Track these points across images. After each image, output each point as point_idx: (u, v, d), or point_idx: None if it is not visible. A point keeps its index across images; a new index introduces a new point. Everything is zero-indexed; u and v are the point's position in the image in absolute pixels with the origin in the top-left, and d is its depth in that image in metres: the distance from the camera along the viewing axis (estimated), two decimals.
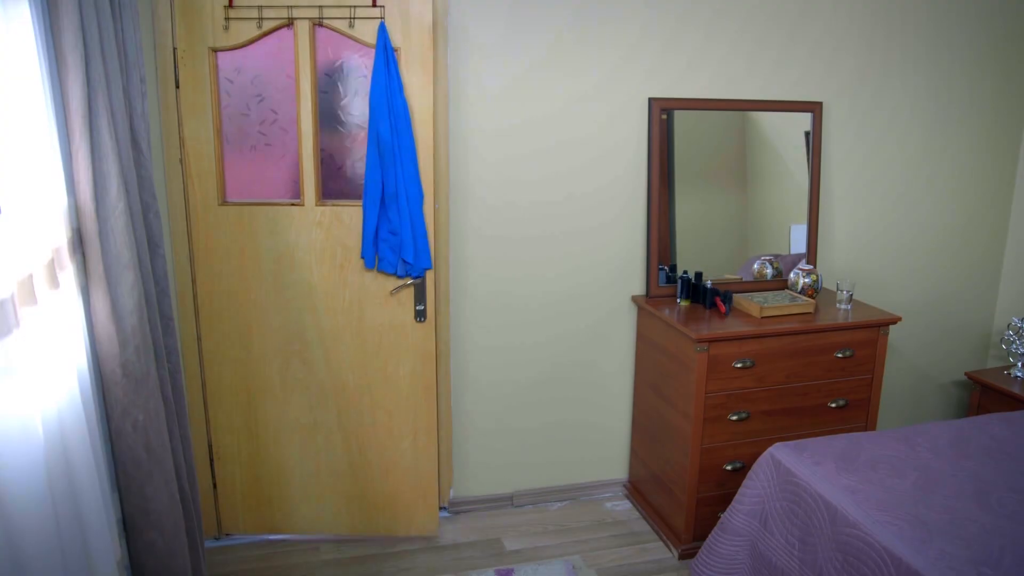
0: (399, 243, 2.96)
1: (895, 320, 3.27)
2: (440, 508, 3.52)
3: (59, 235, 1.97)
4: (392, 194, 2.91)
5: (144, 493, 2.18)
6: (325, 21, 2.89)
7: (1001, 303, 4.14)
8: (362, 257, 2.99)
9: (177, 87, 2.86)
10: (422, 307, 3.11)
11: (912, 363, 4.09)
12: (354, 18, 2.88)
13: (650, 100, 3.32)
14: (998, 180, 4.00)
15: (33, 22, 1.84)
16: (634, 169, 3.40)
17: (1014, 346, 3.73)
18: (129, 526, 2.24)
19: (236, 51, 2.90)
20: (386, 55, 2.84)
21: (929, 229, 3.94)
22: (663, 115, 3.36)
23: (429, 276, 3.08)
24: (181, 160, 2.92)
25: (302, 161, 3.00)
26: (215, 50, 2.87)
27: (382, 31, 2.83)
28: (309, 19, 2.88)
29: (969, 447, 2.69)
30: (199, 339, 3.08)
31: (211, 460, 3.21)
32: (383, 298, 3.11)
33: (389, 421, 3.23)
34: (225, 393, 3.15)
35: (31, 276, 1.77)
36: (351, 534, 3.34)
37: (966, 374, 3.86)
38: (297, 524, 3.32)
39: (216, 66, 2.89)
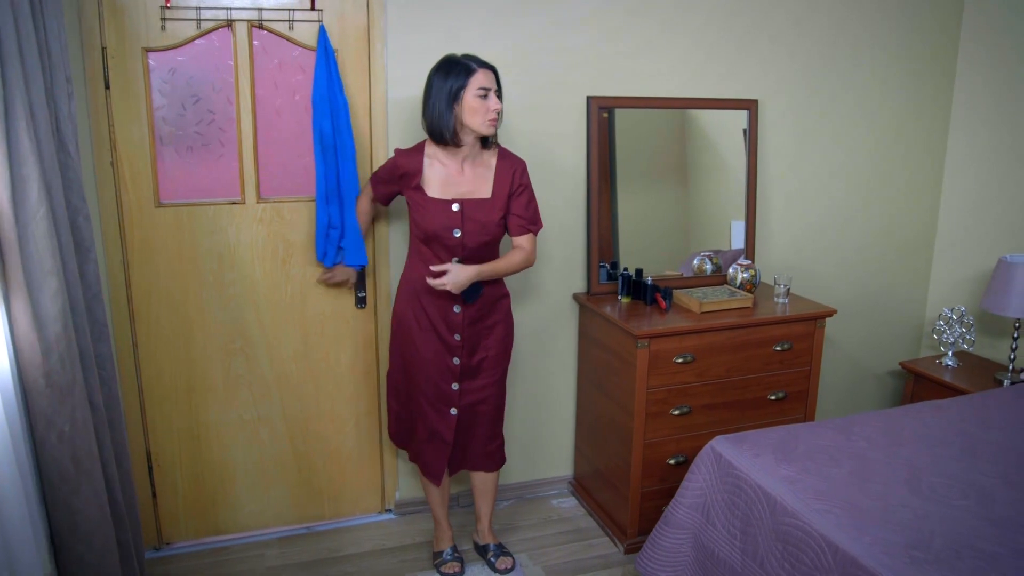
0: (338, 237, 3.02)
1: (831, 313, 3.34)
2: (386, 510, 3.51)
3: None
4: (334, 189, 2.96)
5: (71, 506, 2.11)
6: (265, 23, 2.92)
7: (932, 295, 4.26)
8: (316, 252, 3.06)
9: (107, 88, 2.80)
10: (363, 294, 3.22)
11: (849, 355, 4.18)
12: (293, 21, 2.94)
13: (588, 98, 3.34)
14: (927, 177, 4.11)
15: None
16: (574, 167, 3.42)
17: (945, 336, 3.84)
18: (56, 541, 2.17)
19: (169, 51, 2.85)
20: (327, 56, 2.90)
21: (863, 224, 4.04)
22: (604, 113, 3.38)
23: (370, 263, 3.18)
24: (112, 162, 2.86)
25: (241, 160, 3.02)
26: (148, 50, 2.82)
27: (322, 34, 2.90)
28: (248, 21, 2.89)
29: (902, 435, 2.75)
30: (135, 345, 3.02)
31: (150, 468, 3.14)
32: (325, 287, 3.20)
33: (332, 407, 3.33)
34: (165, 398, 3.11)
35: None
36: (299, 524, 3.40)
37: (900, 364, 3.96)
38: (243, 522, 3.33)
39: (148, 66, 2.84)
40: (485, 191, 2.78)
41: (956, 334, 3.81)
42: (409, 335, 2.86)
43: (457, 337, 2.83)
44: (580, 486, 3.67)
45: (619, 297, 3.40)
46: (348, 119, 2.93)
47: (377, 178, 2.92)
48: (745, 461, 2.57)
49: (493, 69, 2.68)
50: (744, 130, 3.63)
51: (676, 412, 3.15)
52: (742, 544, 2.47)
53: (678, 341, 3.09)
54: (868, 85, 3.85)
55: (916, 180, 4.09)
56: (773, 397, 3.32)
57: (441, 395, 2.88)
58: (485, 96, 2.63)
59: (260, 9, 2.89)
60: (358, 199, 3.00)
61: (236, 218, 3.04)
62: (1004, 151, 3.83)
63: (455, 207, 2.73)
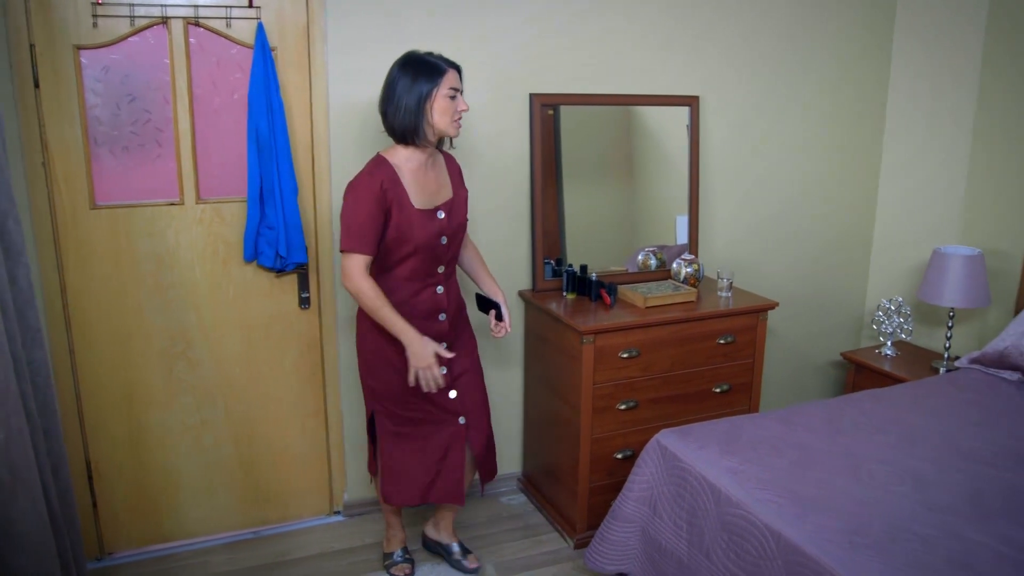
0: (275, 238, 3.00)
1: (773, 305, 3.40)
2: (335, 512, 3.48)
3: None
4: (269, 189, 2.95)
5: (9, 517, 2.05)
6: (201, 21, 2.88)
7: (871, 286, 4.37)
8: (244, 252, 3.04)
9: (37, 87, 2.72)
10: (307, 294, 3.22)
11: (792, 346, 4.26)
12: (230, 18, 2.91)
13: (531, 95, 3.35)
14: (864, 172, 4.21)
15: None
16: (518, 165, 3.42)
17: (883, 326, 3.93)
18: None
19: (102, 49, 2.79)
20: (264, 54, 2.88)
21: (803, 219, 4.11)
22: (549, 110, 3.39)
23: (313, 263, 3.19)
24: (44, 163, 2.78)
25: (180, 160, 2.97)
26: (80, 48, 2.75)
27: (260, 31, 2.87)
28: (184, 18, 2.85)
29: (842, 424, 2.81)
30: (72, 351, 2.94)
31: (89, 477, 3.07)
32: (267, 289, 3.17)
33: (278, 409, 3.30)
34: (104, 404, 3.04)
35: None
36: (245, 529, 3.36)
37: (842, 354, 4.04)
38: (188, 529, 3.27)
39: (80, 65, 2.77)
40: (447, 191, 2.73)
41: (894, 324, 3.90)
42: (391, 367, 2.70)
43: (444, 346, 2.73)
44: (529, 482, 3.68)
45: (564, 293, 3.41)
46: (284, 119, 2.93)
47: (360, 229, 2.52)
48: (690, 453, 2.60)
49: (459, 69, 2.62)
50: (687, 126, 3.67)
51: (622, 407, 3.18)
52: (688, 535, 2.50)
53: (623, 336, 3.12)
54: (807, 85, 3.92)
55: (854, 176, 4.18)
56: (718, 390, 3.36)
57: (444, 410, 2.80)
58: (454, 97, 2.57)
59: (196, 6, 2.84)
60: (356, 284, 2.53)
61: (175, 219, 2.99)
62: (936, 149, 3.94)
63: (440, 214, 2.65)
